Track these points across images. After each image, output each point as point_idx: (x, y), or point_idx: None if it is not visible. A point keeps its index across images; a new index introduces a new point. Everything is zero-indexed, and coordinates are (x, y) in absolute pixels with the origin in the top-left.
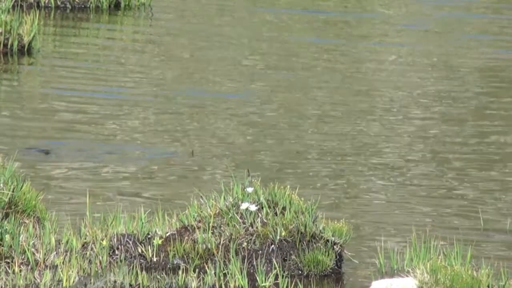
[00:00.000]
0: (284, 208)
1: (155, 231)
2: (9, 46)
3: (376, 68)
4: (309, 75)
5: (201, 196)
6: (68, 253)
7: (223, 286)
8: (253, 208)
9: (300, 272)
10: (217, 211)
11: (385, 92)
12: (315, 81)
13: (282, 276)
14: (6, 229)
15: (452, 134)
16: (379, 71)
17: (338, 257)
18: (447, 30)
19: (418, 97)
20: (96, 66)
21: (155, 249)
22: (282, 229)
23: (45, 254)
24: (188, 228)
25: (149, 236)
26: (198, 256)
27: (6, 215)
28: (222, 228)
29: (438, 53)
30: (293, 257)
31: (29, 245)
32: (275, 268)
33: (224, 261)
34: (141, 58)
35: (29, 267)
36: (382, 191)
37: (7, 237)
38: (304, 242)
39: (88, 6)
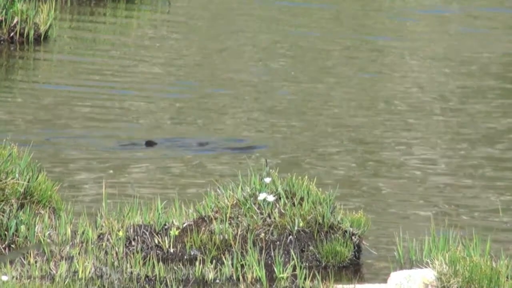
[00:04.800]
0: (302, 199)
1: (172, 221)
2: (25, 35)
3: (395, 62)
4: (328, 66)
5: (218, 187)
6: (84, 244)
7: (240, 277)
8: (270, 198)
9: (318, 263)
10: (235, 202)
11: (404, 86)
12: (333, 73)
13: (300, 267)
14: (22, 219)
15: (471, 127)
16: (398, 65)
17: (356, 248)
18: (466, 24)
19: (438, 91)
20: (113, 57)
21: (171, 240)
22: (300, 219)
23: (60, 245)
24: (205, 218)
25: (165, 227)
26: (215, 247)
27: (22, 206)
28: (239, 218)
29: (457, 48)
30: (311, 248)
31: (44, 236)
32: (293, 259)
33: (242, 252)
34: (158, 48)
35: (45, 258)
36: (401, 182)
37: (22, 227)
38: (322, 233)
39: None
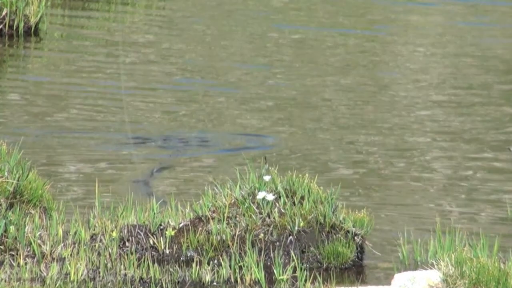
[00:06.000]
0: (302, 198)
1: (168, 222)
2: (14, 28)
3: (399, 54)
4: (329, 62)
5: (216, 185)
6: (76, 245)
7: (238, 279)
8: (270, 197)
9: (319, 264)
10: (233, 201)
11: (408, 80)
12: (334, 69)
13: (301, 268)
14: (11, 220)
15: (477, 123)
16: (401, 57)
17: (359, 249)
18: (470, 17)
19: (443, 84)
20: (106, 54)
21: (167, 240)
22: (301, 219)
23: (52, 246)
24: (202, 218)
25: (161, 227)
26: (213, 248)
27: (11, 205)
28: (237, 218)
29: (466, 42)
30: (312, 249)
31: (35, 237)
32: (293, 261)
33: (240, 253)
34: (154, 43)
35: (35, 259)
36: (405, 180)
37: (11, 228)
38: (324, 233)
39: None
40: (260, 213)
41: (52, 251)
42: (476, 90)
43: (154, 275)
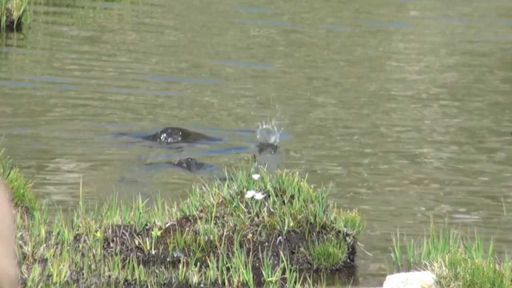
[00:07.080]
0: (292, 197)
1: (154, 221)
2: None
3: (396, 51)
4: (324, 58)
5: (204, 184)
6: (59, 246)
7: (226, 281)
8: (259, 196)
9: (309, 265)
10: (220, 200)
11: (404, 78)
12: (330, 64)
13: (290, 270)
14: None
15: (476, 123)
16: (399, 53)
17: (350, 249)
18: (475, 15)
19: (438, 82)
20: (93, 51)
21: (153, 241)
22: (290, 219)
23: (34, 246)
24: (189, 218)
25: (147, 227)
26: (200, 248)
27: None
28: (225, 218)
29: (456, 37)
30: (302, 249)
31: (16, 237)
32: (282, 262)
33: (228, 254)
34: (139, 37)
35: (16, 261)
36: (398, 180)
37: None
38: (314, 233)
39: None
40: (249, 212)
41: (34, 252)
42: (474, 90)
43: (139, 277)
